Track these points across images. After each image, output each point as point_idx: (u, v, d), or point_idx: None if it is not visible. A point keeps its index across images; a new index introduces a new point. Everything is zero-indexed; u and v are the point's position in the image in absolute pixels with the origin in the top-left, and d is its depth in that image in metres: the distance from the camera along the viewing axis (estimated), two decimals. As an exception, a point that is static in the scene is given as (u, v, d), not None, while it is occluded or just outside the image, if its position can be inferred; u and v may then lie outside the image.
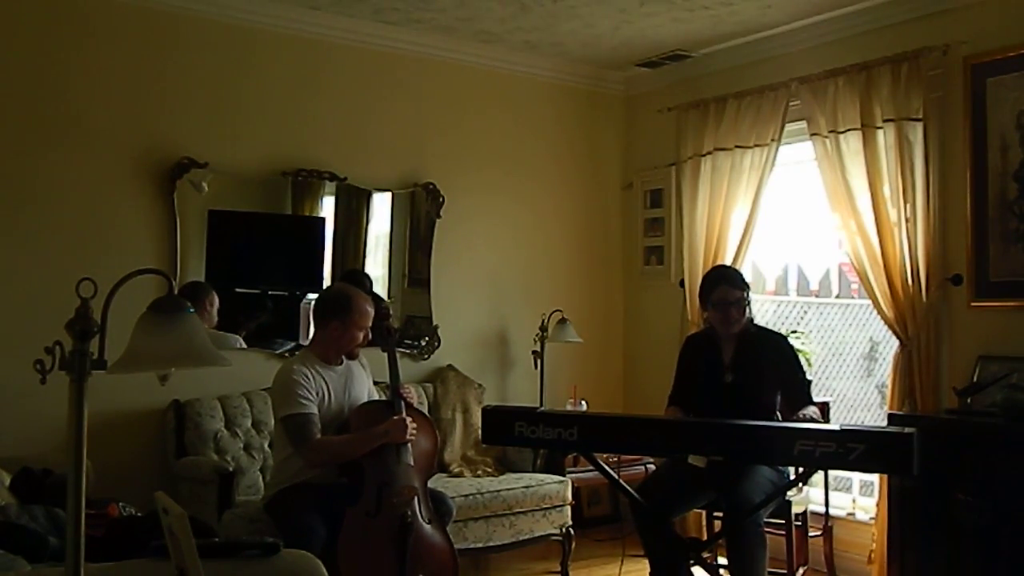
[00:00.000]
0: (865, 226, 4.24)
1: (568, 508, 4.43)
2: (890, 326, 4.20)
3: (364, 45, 4.79)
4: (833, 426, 3.07)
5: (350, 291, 3.68)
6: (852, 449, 2.57)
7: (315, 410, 3.43)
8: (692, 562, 3.33)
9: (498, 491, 4.21)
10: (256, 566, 2.18)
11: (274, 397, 3.59)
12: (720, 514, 3.88)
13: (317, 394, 3.48)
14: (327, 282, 4.66)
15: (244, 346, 4.43)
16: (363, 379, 3.73)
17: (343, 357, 3.64)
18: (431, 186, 4.99)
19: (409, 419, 3.51)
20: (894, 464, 2.71)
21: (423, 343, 4.97)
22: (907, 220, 4.11)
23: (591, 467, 3.40)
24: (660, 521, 3.37)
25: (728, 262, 4.83)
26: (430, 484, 3.64)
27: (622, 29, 4.80)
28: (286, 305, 4.70)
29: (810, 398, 3.66)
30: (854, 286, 5.75)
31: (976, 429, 3.61)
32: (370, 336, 3.66)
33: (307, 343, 3.97)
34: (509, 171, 5.32)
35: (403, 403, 3.56)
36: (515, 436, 3.01)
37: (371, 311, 3.62)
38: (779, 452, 2.81)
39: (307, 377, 3.46)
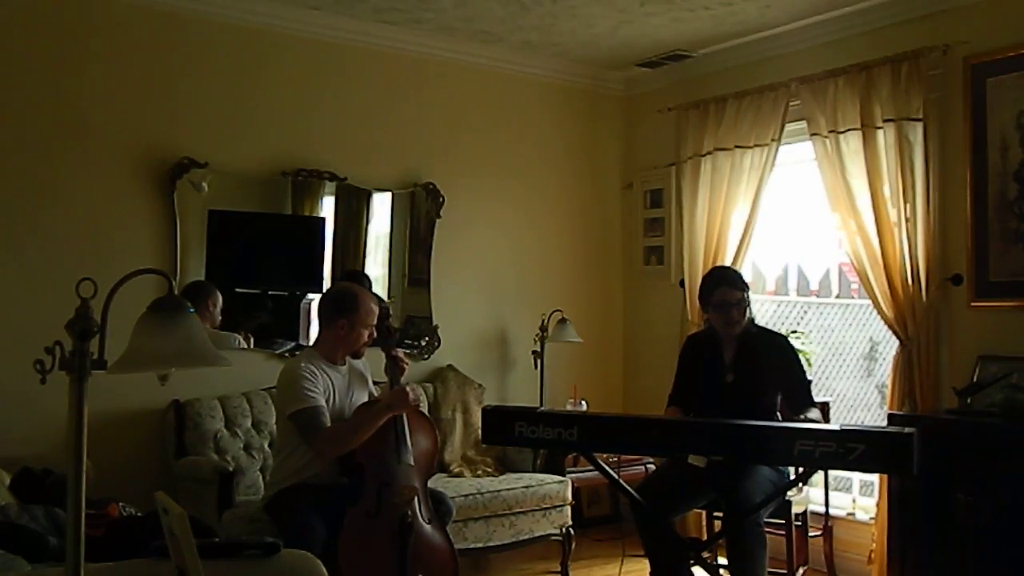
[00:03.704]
0: (865, 226, 4.25)
1: (568, 508, 4.43)
2: (890, 326, 4.20)
3: (364, 45, 4.79)
4: (833, 426, 3.08)
5: (356, 289, 3.68)
6: (852, 449, 2.58)
7: (323, 403, 3.43)
8: (692, 562, 3.34)
9: (498, 491, 4.21)
10: (256, 566, 2.19)
11: (280, 395, 3.58)
12: (720, 514, 3.88)
13: (324, 392, 3.48)
14: (327, 282, 4.66)
15: (248, 346, 4.43)
16: (365, 380, 3.73)
17: (347, 358, 3.64)
18: (431, 186, 4.99)
19: (409, 387, 3.53)
20: (894, 464, 2.71)
21: (423, 343, 4.97)
22: (907, 220, 4.11)
23: (591, 467, 3.40)
24: (660, 521, 3.37)
25: (728, 262, 4.83)
26: (430, 484, 3.64)
27: (622, 29, 4.80)
28: (286, 305, 4.70)
29: (811, 399, 3.65)
30: (854, 286, 5.75)
31: (976, 429, 3.61)
32: (375, 335, 3.66)
33: (311, 343, 3.96)
34: (509, 171, 5.32)
35: (398, 372, 3.58)
36: (515, 436, 3.02)
37: (376, 310, 3.63)
38: (779, 452, 2.82)
39: (313, 374, 3.46)
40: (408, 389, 3.52)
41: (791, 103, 4.64)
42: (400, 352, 3.69)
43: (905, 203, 4.11)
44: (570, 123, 5.60)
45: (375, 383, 3.82)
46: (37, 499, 2.88)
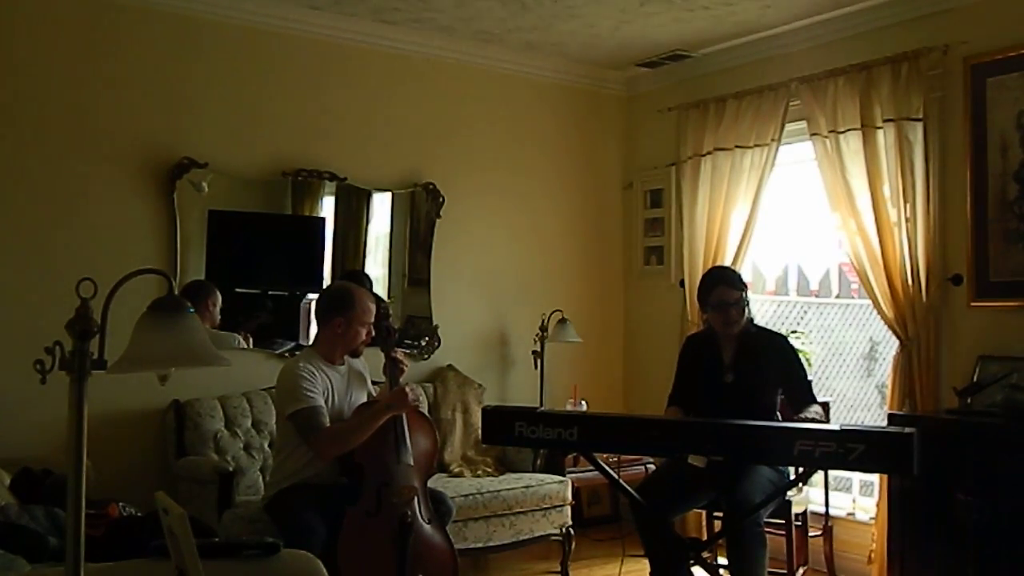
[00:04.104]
0: (865, 226, 4.25)
1: (568, 508, 4.43)
2: (890, 326, 4.20)
3: (364, 45, 4.79)
4: (833, 426, 3.07)
5: (352, 287, 3.68)
6: (852, 449, 2.58)
7: (322, 402, 3.43)
8: (692, 562, 3.34)
9: (498, 491, 4.21)
10: (256, 566, 2.19)
11: (279, 396, 3.58)
12: (720, 514, 3.88)
13: (323, 392, 3.47)
14: (327, 282, 4.65)
15: (248, 346, 4.43)
16: (364, 380, 3.73)
17: (345, 357, 3.64)
18: (431, 186, 4.99)
19: (408, 387, 3.52)
20: (894, 464, 2.71)
21: (423, 343, 4.97)
22: (907, 220, 4.11)
23: (591, 467, 3.40)
24: (660, 521, 3.37)
25: (728, 262, 4.83)
26: (430, 484, 3.64)
27: (622, 29, 4.80)
28: (286, 305, 4.70)
29: (813, 397, 3.66)
30: (854, 286, 5.76)
31: (976, 429, 3.61)
32: (373, 333, 3.65)
33: (309, 343, 3.96)
34: (509, 171, 5.32)
35: (397, 371, 3.57)
36: (515, 436, 3.02)
37: (373, 307, 3.62)
38: (779, 452, 2.82)
39: (312, 374, 3.46)
40: (408, 389, 3.52)
41: (791, 103, 4.64)
42: (400, 353, 3.69)
43: (905, 203, 4.11)
44: (570, 123, 5.60)
45: (374, 383, 3.83)
46: (37, 499, 2.88)
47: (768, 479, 3.43)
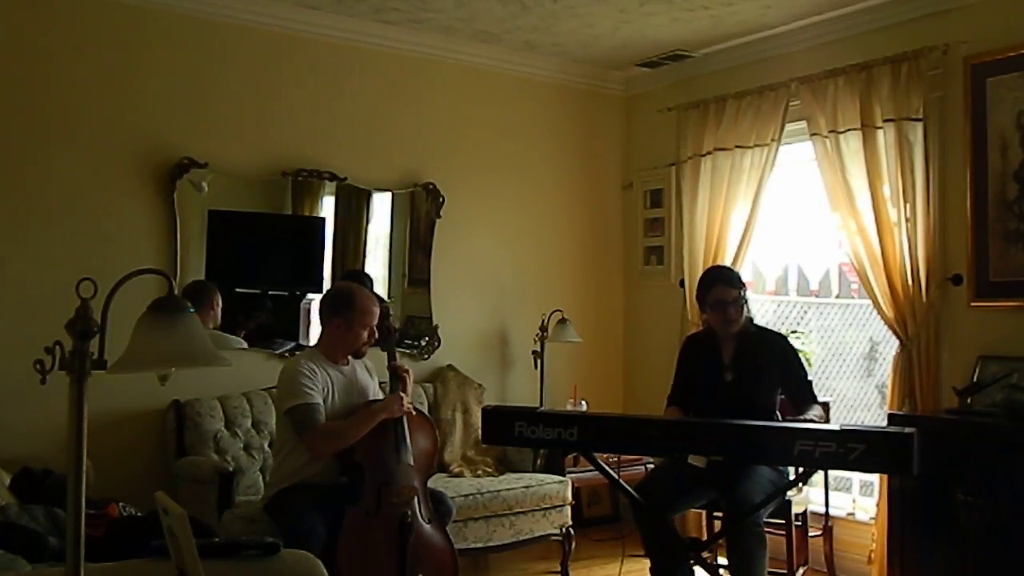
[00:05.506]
0: (865, 226, 4.25)
1: (568, 508, 4.43)
2: (890, 326, 4.20)
3: (364, 45, 4.79)
4: (833, 426, 3.08)
5: (354, 289, 3.68)
6: (852, 449, 2.58)
7: (320, 400, 3.43)
8: (692, 562, 3.34)
9: (498, 491, 4.21)
10: (256, 566, 2.18)
11: (279, 392, 3.57)
12: (720, 514, 3.88)
13: (323, 389, 3.47)
14: (327, 282, 4.66)
15: (245, 346, 4.43)
16: (368, 380, 3.72)
17: (349, 357, 3.64)
18: (431, 186, 5.00)
19: (404, 396, 3.53)
20: (894, 464, 2.72)
21: (423, 343, 4.97)
22: (907, 220, 4.11)
23: (591, 467, 3.40)
24: (659, 520, 3.37)
25: (728, 262, 4.83)
26: (430, 484, 3.64)
27: (622, 29, 4.80)
28: (286, 305, 4.70)
29: (813, 396, 3.66)
30: (854, 286, 5.75)
31: (976, 429, 3.61)
32: (376, 334, 3.65)
33: (309, 343, 3.97)
34: (509, 171, 5.32)
35: (399, 383, 3.59)
36: (515, 436, 3.02)
37: (376, 310, 3.61)
38: (779, 452, 2.82)
39: (312, 371, 3.46)
40: (406, 403, 3.52)
41: (791, 103, 4.64)
42: (402, 365, 3.68)
43: (905, 203, 4.11)
44: (570, 123, 5.60)
45: (380, 384, 3.82)
46: (37, 499, 2.88)
47: (768, 479, 3.42)
